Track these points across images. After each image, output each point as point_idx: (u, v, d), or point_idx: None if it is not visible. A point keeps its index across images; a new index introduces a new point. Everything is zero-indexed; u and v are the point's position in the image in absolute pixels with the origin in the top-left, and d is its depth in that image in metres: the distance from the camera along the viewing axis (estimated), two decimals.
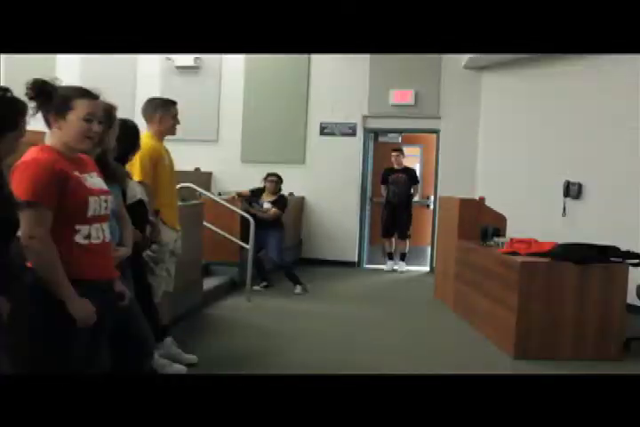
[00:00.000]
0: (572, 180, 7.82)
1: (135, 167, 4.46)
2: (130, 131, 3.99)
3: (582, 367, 5.05)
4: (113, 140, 3.49)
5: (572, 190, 7.81)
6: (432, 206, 10.37)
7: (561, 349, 5.39)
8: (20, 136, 2.32)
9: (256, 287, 7.83)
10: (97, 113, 2.79)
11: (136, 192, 3.96)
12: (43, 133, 2.88)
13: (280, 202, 8.26)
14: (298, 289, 8.09)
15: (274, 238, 8.06)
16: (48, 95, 2.63)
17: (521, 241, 6.02)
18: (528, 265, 5.41)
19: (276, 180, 8.31)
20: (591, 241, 5.70)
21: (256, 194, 8.29)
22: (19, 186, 2.52)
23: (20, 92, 2.55)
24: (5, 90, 2.26)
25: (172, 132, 4.93)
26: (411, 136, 11.94)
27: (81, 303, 2.65)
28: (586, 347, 5.39)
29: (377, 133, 10.60)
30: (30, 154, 2.68)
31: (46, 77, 2.67)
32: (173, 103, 4.93)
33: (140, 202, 4.00)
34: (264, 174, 8.43)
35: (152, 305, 4.40)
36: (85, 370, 2.78)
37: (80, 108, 2.73)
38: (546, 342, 5.39)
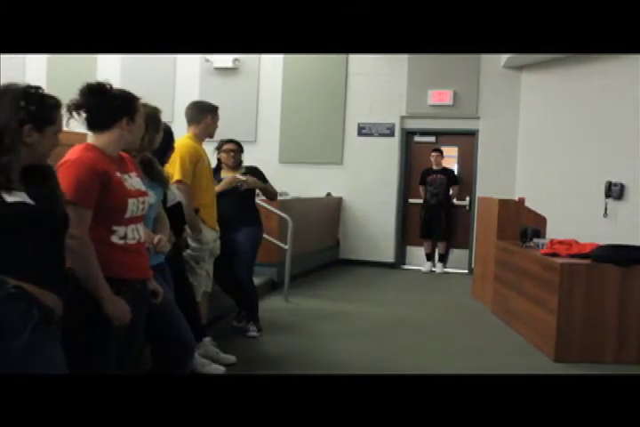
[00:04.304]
0: (613, 180, 7.71)
1: (175, 167, 4.53)
2: (165, 135, 4.03)
3: (624, 371, 4.98)
4: (158, 142, 3.57)
5: (614, 191, 7.70)
6: (467, 208, 10.27)
7: (603, 352, 5.31)
8: (59, 130, 2.38)
9: (242, 325, 5.85)
10: None
11: (175, 195, 4.00)
12: (84, 135, 2.93)
13: (257, 174, 5.90)
14: (253, 330, 5.76)
15: (248, 239, 5.69)
16: (104, 96, 2.75)
17: (561, 242, 5.96)
18: (568, 266, 5.34)
19: (236, 148, 5.80)
20: (633, 243, 5.61)
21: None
22: (61, 184, 2.55)
23: (62, 91, 2.60)
24: (37, 88, 2.32)
25: (213, 135, 5.11)
26: (447, 136, 11.81)
27: (117, 302, 2.68)
28: (629, 350, 5.30)
29: (413, 133, 10.55)
30: (74, 153, 2.72)
31: (101, 80, 2.81)
32: (218, 108, 5.09)
33: (179, 204, 4.04)
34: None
35: (194, 305, 4.43)
36: (119, 369, 2.81)
37: (140, 109, 2.88)
38: (587, 345, 5.31)
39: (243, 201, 5.70)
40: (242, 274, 5.69)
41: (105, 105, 2.76)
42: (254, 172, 5.86)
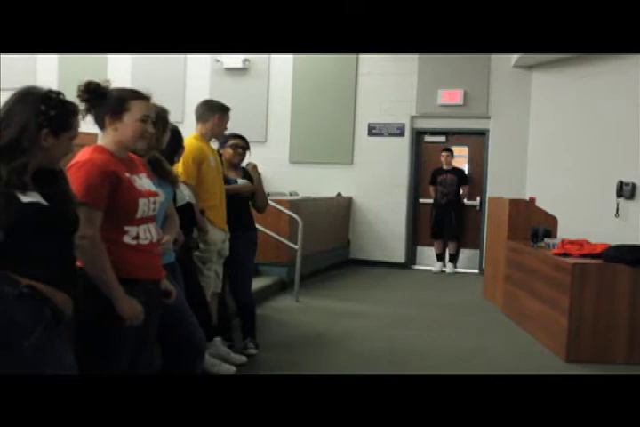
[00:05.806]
0: (625, 180, 7.67)
1: (179, 169, 4.50)
2: (173, 134, 4.03)
3: (636, 371, 4.95)
4: (165, 143, 3.56)
5: (626, 190, 7.66)
6: (478, 208, 10.25)
7: (614, 352, 5.29)
8: (74, 136, 2.38)
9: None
10: (151, 114, 2.87)
11: (184, 195, 4.01)
12: (94, 135, 2.94)
13: (248, 177, 5.35)
14: (251, 347, 5.23)
15: (253, 245, 5.39)
16: (101, 97, 2.73)
17: (572, 242, 5.94)
18: (580, 267, 5.32)
19: (244, 145, 5.23)
20: None
21: None
22: (72, 185, 2.56)
23: (73, 91, 2.62)
24: (58, 93, 2.33)
25: (219, 136, 5.08)
26: (457, 136, 11.82)
27: (129, 302, 2.69)
28: None
29: (424, 133, 10.53)
30: (84, 154, 2.74)
31: (98, 79, 2.77)
32: (229, 109, 4.98)
33: (189, 205, 4.04)
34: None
35: (204, 306, 4.43)
36: (131, 370, 2.82)
37: (135, 109, 2.80)
38: (598, 346, 5.29)
39: (242, 204, 5.28)
40: (245, 291, 5.32)
41: (95, 105, 2.75)
42: (246, 175, 5.32)
